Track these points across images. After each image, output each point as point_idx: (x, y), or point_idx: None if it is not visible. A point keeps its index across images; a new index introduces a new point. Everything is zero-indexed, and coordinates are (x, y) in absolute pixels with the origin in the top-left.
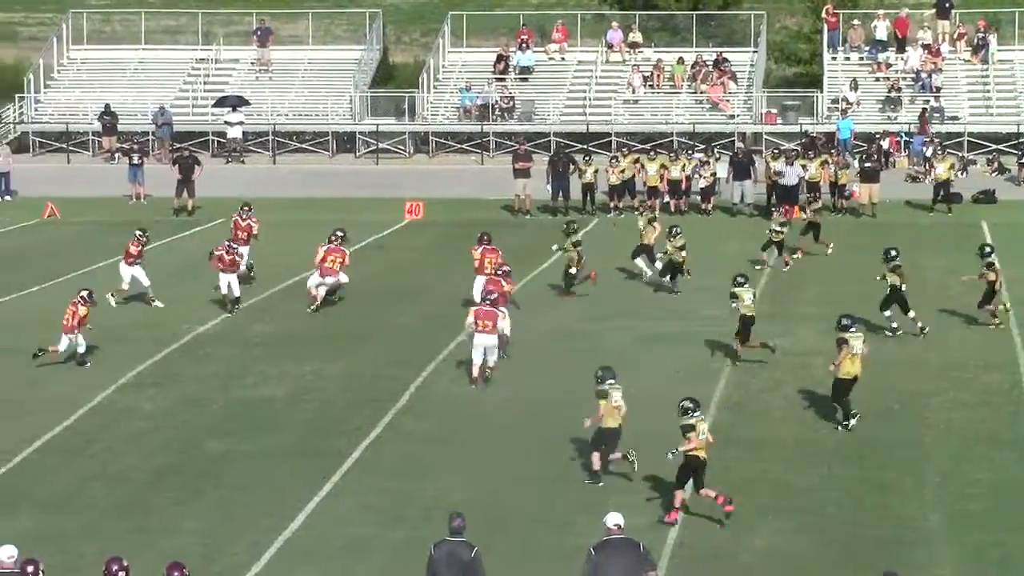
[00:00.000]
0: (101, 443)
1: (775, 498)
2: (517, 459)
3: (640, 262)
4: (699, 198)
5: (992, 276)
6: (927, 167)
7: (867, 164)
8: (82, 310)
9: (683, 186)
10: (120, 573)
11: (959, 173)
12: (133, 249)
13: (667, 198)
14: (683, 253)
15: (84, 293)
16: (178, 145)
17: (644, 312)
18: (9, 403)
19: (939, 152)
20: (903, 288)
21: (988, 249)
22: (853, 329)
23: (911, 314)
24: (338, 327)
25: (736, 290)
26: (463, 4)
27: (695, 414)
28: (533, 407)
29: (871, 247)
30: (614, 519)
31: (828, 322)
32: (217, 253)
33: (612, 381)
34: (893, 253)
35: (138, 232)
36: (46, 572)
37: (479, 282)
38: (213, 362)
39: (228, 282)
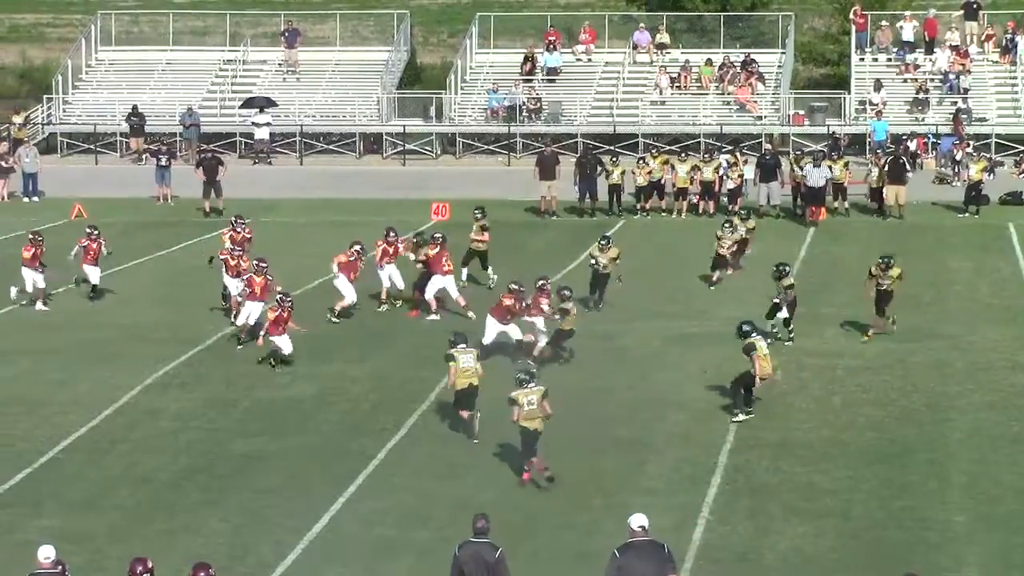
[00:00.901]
0: (127, 443)
1: (800, 500)
2: (543, 459)
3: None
4: (727, 199)
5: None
6: (955, 169)
7: (898, 163)
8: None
9: (715, 187)
10: (144, 574)
11: (989, 175)
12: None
13: (695, 199)
14: (616, 262)
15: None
16: (203, 147)
17: (667, 312)
18: (35, 403)
19: (973, 154)
20: (791, 304)
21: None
22: (755, 335)
23: (790, 328)
24: (364, 328)
25: (565, 305)
26: (491, 5)
27: (527, 385)
28: (559, 408)
29: (898, 249)
30: (639, 520)
31: (855, 324)
32: (245, 277)
33: (463, 345)
34: (787, 269)
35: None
36: (71, 572)
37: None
38: (239, 363)
39: (250, 311)
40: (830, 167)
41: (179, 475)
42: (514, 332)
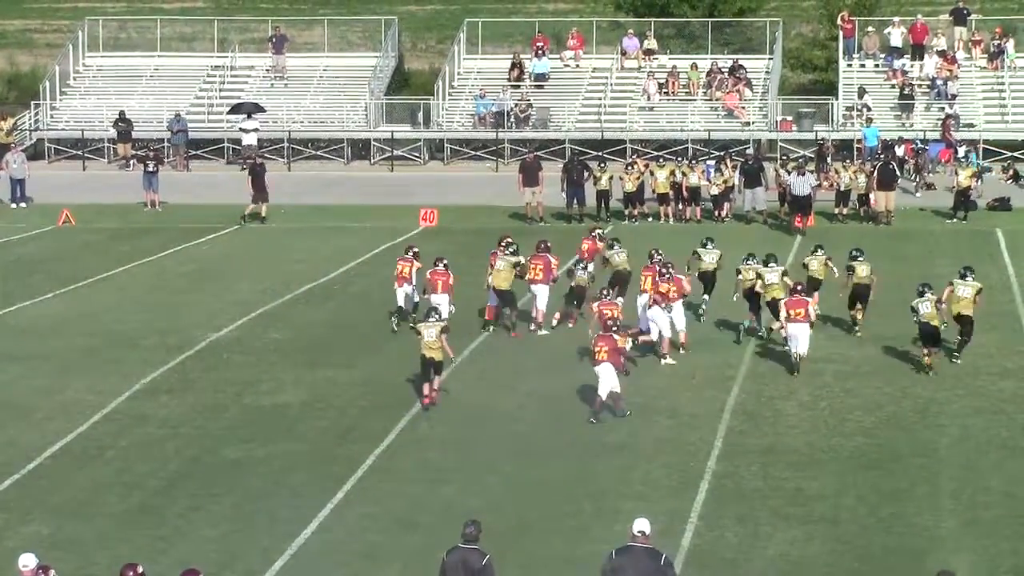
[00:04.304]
0: (115, 450)
1: (788, 506)
2: (532, 465)
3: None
4: (712, 205)
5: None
6: (919, 180)
7: (887, 169)
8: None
9: (702, 193)
10: None
11: (977, 181)
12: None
13: (678, 205)
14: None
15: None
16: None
17: None
18: (24, 409)
19: (962, 160)
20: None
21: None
22: (968, 277)
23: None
24: (352, 334)
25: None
26: (479, 11)
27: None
28: (549, 413)
29: (886, 254)
30: (639, 525)
31: (841, 329)
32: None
33: (432, 319)
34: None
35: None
36: None
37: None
38: (228, 369)
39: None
40: (814, 173)
41: (168, 481)
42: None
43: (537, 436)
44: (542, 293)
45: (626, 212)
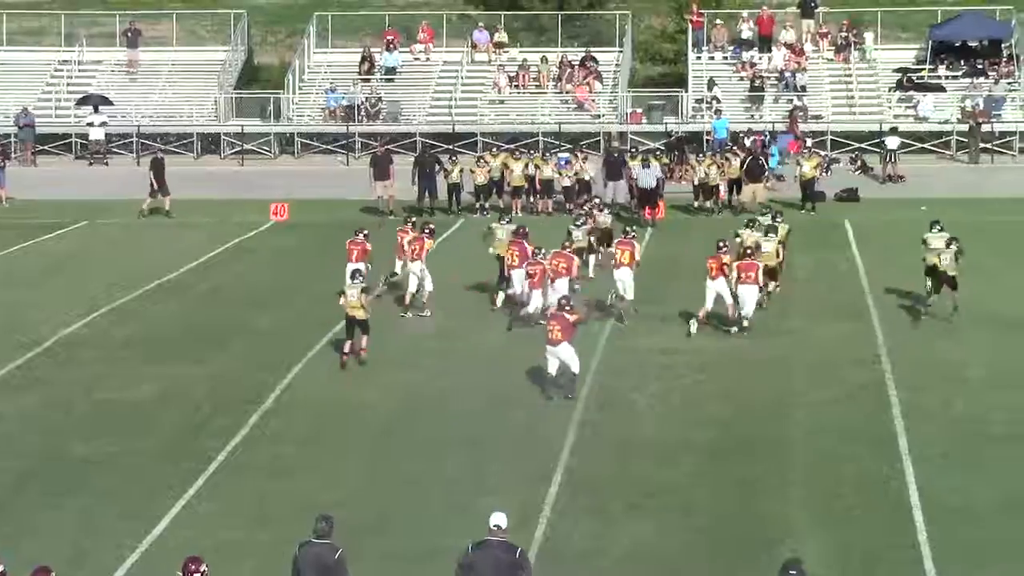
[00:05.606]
0: None
1: (641, 496)
2: (387, 459)
3: None
4: (563, 198)
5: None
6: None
7: (756, 162)
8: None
9: (555, 186)
10: None
11: (826, 172)
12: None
13: (530, 197)
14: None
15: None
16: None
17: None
18: None
19: (806, 150)
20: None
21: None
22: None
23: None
24: (204, 329)
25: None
26: (328, 4)
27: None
28: (405, 406)
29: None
30: (495, 519)
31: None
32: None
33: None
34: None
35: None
36: None
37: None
38: (77, 365)
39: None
40: (664, 165)
41: (17, 479)
42: None
43: (393, 430)
44: (517, 278)
45: (477, 205)
